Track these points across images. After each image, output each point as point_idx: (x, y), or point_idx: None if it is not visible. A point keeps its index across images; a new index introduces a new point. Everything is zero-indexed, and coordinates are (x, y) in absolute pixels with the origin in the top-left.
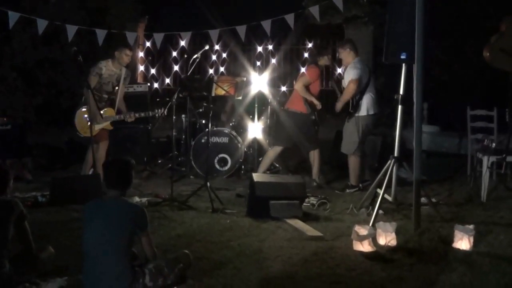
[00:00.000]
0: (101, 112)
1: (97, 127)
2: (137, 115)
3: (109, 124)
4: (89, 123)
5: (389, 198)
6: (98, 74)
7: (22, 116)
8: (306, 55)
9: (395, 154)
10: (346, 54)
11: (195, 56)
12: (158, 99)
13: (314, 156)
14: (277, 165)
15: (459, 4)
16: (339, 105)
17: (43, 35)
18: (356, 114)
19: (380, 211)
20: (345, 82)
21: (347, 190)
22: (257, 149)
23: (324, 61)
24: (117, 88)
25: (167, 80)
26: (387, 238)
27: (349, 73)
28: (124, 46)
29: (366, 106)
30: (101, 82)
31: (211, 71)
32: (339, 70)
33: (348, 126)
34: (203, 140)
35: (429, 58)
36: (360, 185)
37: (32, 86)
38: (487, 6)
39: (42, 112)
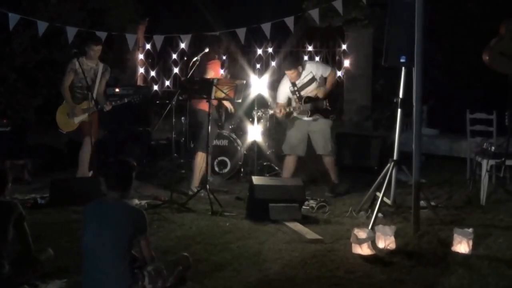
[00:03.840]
0: (78, 105)
1: (76, 121)
2: (113, 103)
3: (87, 116)
4: (68, 119)
5: (388, 201)
6: (73, 70)
7: (22, 117)
8: (306, 57)
9: (395, 157)
10: (296, 74)
11: (195, 59)
12: (158, 102)
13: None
14: (277, 168)
15: (459, 7)
16: (323, 93)
17: (43, 36)
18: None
19: (379, 214)
20: (312, 77)
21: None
22: (256, 151)
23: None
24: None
25: (167, 83)
26: (386, 241)
27: (322, 67)
28: (91, 41)
29: None
30: (78, 78)
31: None
32: (339, 73)
33: (325, 127)
34: None
35: (429, 61)
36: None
37: (32, 87)
38: (487, 9)
39: (42, 113)
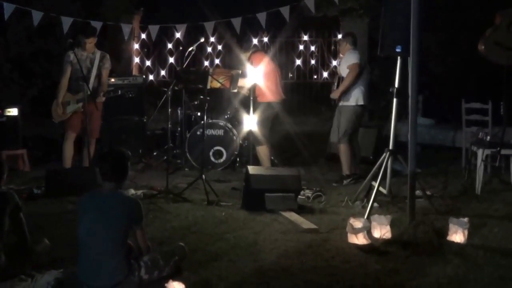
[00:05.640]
0: (73, 96)
1: (69, 110)
2: (106, 95)
3: (80, 107)
4: (60, 109)
5: (384, 191)
6: (69, 62)
7: (17, 108)
8: (301, 47)
9: (390, 147)
10: (343, 46)
11: (190, 49)
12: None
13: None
14: (272, 158)
15: None
16: (337, 93)
17: (38, 27)
18: (346, 104)
19: (375, 204)
20: (343, 68)
21: (344, 182)
22: (252, 141)
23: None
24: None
25: (163, 72)
26: (382, 230)
27: (348, 58)
28: (82, 35)
29: (355, 96)
30: (74, 69)
31: (206, 63)
32: (334, 63)
33: (340, 114)
34: (198, 133)
35: (424, 51)
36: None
37: (27, 78)
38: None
39: (38, 104)
